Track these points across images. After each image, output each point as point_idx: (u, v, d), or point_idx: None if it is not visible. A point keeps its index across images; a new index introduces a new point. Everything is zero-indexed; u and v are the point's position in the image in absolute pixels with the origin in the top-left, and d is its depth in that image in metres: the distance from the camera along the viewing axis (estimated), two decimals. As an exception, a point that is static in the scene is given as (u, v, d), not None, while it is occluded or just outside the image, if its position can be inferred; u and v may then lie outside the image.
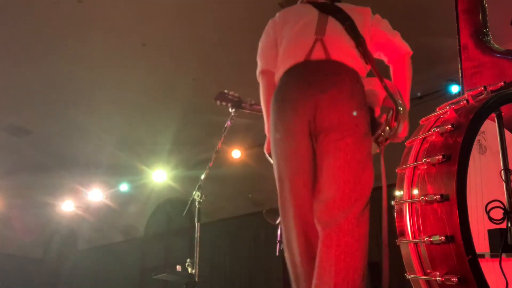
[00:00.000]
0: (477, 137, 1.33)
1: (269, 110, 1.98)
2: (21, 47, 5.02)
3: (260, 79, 2.15)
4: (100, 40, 4.92)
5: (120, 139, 6.81)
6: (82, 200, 8.37)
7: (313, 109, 1.78)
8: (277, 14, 2.24)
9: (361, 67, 1.93)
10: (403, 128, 1.77)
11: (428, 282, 1.16)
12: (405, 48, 2.05)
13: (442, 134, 1.21)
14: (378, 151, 1.83)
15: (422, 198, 1.16)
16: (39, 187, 7.92)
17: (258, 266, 6.96)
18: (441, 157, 1.15)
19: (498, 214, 1.15)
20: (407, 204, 1.23)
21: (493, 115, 1.25)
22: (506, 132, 1.27)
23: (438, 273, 1.12)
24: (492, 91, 1.28)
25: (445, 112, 1.27)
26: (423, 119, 1.35)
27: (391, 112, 1.77)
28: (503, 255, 1.13)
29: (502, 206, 1.16)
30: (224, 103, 3.06)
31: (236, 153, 6.60)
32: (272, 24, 2.24)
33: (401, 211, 1.24)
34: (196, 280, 2.87)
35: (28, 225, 8.89)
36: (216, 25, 4.75)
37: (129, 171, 7.48)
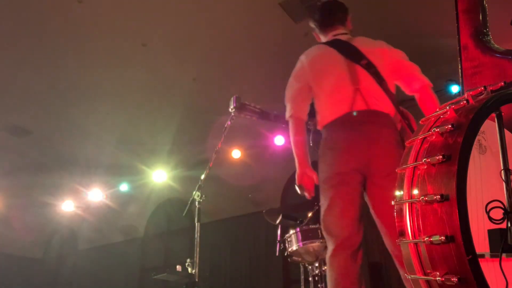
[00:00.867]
0: (477, 137, 1.33)
1: (301, 150, 2.35)
2: (21, 47, 5.03)
3: (290, 123, 2.40)
4: (100, 40, 4.92)
5: (120, 139, 6.81)
6: (82, 200, 8.37)
7: (366, 158, 2.12)
8: (304, 59, 2.50)
9: (391, 108, 2.26)
10: None
11: (428, 282, 1.16)
12: (426, 80, 2.40)
13: (442, 134, 1.20)
14: None
15: (422, 198, 1.16)
16: (39, 187, 7.93)
17: (258, 266, 6.96)
18: (441, 157, 1.14)
19: (498, 214, 1.15)
20: (407, 204, 1.22)
21: (493, 115, 1.25)
22: (506, 132, 1.26)
23: (438, 273, 1.12)
24: (492, 91, 1.27)
25: (445, 112, 1.27)
26: (423, 119, 1.34)
27: None
28: (503, 255, 1.13)
29: (502, 206, 1.15)
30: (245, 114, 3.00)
31: (236, 153, 6.61)
32: (302, 71, 2.48)
33: (401, 211, 1.24)
34: (196, 280, 2.87)
35: (28, 225, 8.89)
36: (216, 25, 4.75)
37: (129, 171, 7.48)
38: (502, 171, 1.19)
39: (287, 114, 2.41)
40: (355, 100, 2.23)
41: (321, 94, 2.34)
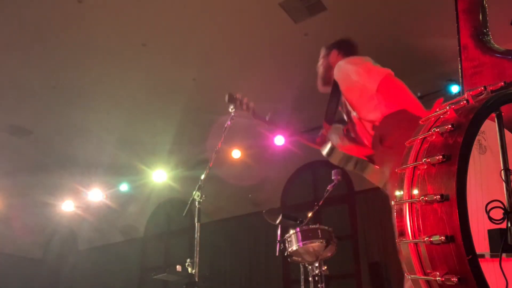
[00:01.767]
0: (477, 137, 1.33)
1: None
2: (21, 47, 5.03)
3: None
4: (100, 40, 4.92)
5: (120, 139, 6.81)
6: (82, 200, 8.37)
7: None
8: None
9: None
10: None
11: (428, 282, 1.16)
12: None
13: (442, 134, 1.20)
14: None
15: (422, 198, 1.16)
16: (39, 187, 7.93)
17: (258, 266, 6.96)
18: (441, 157, 1.14)
19: (498, 214, 1.15)
20: (407, 204, 1.22)
21: (493, 115, 1.25)
22: (506, 132, 1.26)
23: (438, 273, 1.11)
24: (492, 91, 1.27)
25: (445, 112, 1.27)
26: (423, 119, 1.34)
27: None
28: (503, 255, 1.13)
29: (502, 206, 1.15)
30: (236, 105, 2.96)
31: (236, 153, 6.61)
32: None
33: (401, 211, 1.24)
34: (196, 280, 2.86)
35: (28, 225, 8.89)
36: (216, 25, 4.75)
37: (129, 171, 7.49)
38: (502, 171, 1.19)
39: None
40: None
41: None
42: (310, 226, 3.52)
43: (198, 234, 2.97)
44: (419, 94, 5.50)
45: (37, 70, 5.38)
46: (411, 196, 1.21)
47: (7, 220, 8.39)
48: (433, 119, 1.31)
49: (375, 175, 2.54)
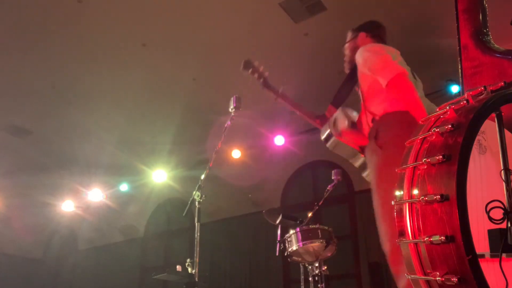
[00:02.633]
0: (477, 137, 1.33)
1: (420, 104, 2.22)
2: (21, 47, 5.03)
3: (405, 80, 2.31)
4: (100, 40, 4.92)
5: (120, 139, 6.81)
6: (82, 200, 8.37)
7: None
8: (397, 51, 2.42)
9: None
10: None
11: (428, 282, 1.16)
12: None
13: (442, 134, 1.20)
14: None
15: (422, 198, 1.16)
16: (39, 187, 7.93)
17: (258, 266, 6.96)
18: (441, 157, 1.14)
19: (498, 214, 1.15)
20: (407, 204, 1.22)
21: (493, 115, 1.25)
22: (506, 132, 1.26)
23: (438, 273, 1.11)
24: (492, 91, 1.27)
25: (445, 112, 1.27)
26: (423, 119, 1.34)
27: None
28: (503, 255, 1.13)
29: (502, 206, 1.15)
30: (250, 71, 2.98)
31: (236, 153, 6.61)
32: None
33: (401, 211, 1.24)
34: (196, 280, 2.86)
35: (28, 225, 8.89)
36: (216, 25, 4.75)
37: (129, 171, 7.49)
38: (502, 171, 1.19)
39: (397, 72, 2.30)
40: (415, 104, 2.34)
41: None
42: (310, 226, 3.52)
43: (198, 234, 2.97)
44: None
45: (37, 70, 5.38)
46: (411, 196, 1.21)
47: (7, 220, 8.39)
48: (433, 119, 1.31)
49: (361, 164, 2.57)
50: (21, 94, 5.85)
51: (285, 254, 3.59)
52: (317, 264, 3.50)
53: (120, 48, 5.06)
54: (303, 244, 3.42)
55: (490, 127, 1.27)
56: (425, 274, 1.15)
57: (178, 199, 7.88)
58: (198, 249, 2.92)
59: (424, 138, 1.26)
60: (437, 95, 5.26)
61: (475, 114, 1.15)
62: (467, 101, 1.25)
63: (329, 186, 3.74)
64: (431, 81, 5.31)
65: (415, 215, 1.18)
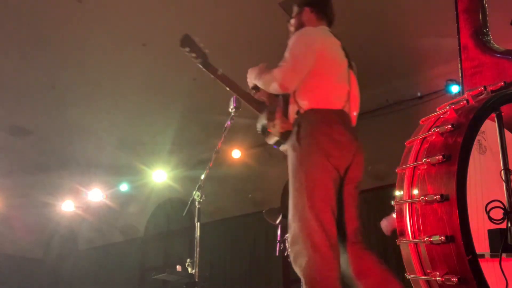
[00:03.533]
0: (477, 137, 1.33)
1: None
2: (21, 47, 5.03)
3: (281, 89, 2.26)
4: (100, 40, 4.92)
5: (120, 139, 6.81)
6: (82, 200, 8.37)
7: (349, 162, 2.13)
8: (318, 35, 2.33)
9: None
10: None
11: (428, 282, 1.16)
12: None
13: (442, 134, 1.21)
14: None
15: (422, 198, 1.16)
16: (39, 187, 7.93)
17: (258, 266, 6.96)
18: (441, 157, 1.15)
19: (498, 214, 1.15)
20: (407, 204, 1.23)
21: (493, 115, 1.25)
22: (506, 132, 1.26)
23: (438, 273, 1.12)
24: (492, 91, 1.28)
25: (445, 112, 1.27)
26: (423, 119, 1.35)
27: None
28: (503, 255, 1.13)
29: (502, 206, 1.16)
30: (188, 50, 2.76)
31: (236, 153, 6.60)
32: (317, 45, 2.27)
33: (401, 211, 1.24)
34: (196, 280, 2.87)
35: (28, 225, 8.89)
36: (216, 25, 4.75)
37: (129, 171, 7.48)
38: (502, 171, 1.19)
39: (288, 83, 2.22)
40: (347, 101, 2.23)
41: (325, 77, 2.23)
42: (310, 226, 3.52)
43: (198, 234, 2.98)
44: (419, 94, 5.52)
45: (37, 70, 5.38)
46: (411, 196, 1.21)
47: (7, 220, 8.39)
48: (433, 119, 1.31)
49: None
50: (21, 94, 5.85)
51: (285, 254, 3.58)
52: (317, 264, 3.49)
53: (120, 48, 5.06)
54: (303, 244, 3.42)
55: (490, 127, 1.27)
56: (425, 274, 1.15)
57: (178, 199, 7.87)
58: (198, 249, 2.92)
59: (424, 138, 1.26)
60: (437, 95, 5.26)
61: (475, 114, 1.16)
62: (467, 101, 1.25)
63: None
64: (431, 81, 5.31)
65: (415, 215, 1.18)
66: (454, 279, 1.07)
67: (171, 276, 3.63)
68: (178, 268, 3.44)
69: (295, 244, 2.06)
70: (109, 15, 4.60)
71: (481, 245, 1.23)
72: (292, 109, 2.27)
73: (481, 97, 1.25)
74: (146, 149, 7.03)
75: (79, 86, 5.71)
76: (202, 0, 4.47)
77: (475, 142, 1.28)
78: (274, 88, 2.29)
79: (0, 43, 4.93)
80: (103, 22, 4.68)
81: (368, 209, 6.04)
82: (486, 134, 1.46)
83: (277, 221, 3.73)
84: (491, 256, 1.21)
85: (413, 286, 1.26)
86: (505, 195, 1.18)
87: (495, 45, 1.70)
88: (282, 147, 2.42)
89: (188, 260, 3.00)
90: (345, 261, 2.12)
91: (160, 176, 7.29)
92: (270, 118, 2.38)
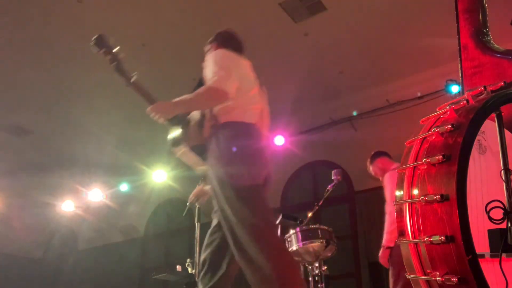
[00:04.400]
0: (477, 137, 1.33)
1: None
2: (21, 47, 5.03)
3: (217, 94, 2.30)
4: (100, 40, 4.91)
5: (120, 139, 6.81)
6: (82, 200, 8.37)
7: (267, 172, 2.22)
8: (234, 54, 2.51)
9: None
10: None
11: (428, 282, 1.16)
12: None
13: (442, 134, 1.20)
14: None
15: (422, 198, 1.16)
16: (39, 187, 7.93)
17: (258, 266, 6.95)
18: (441, 157, 1.15)
19: (498, 214, 1.15)
20: (407, 204, 1.23)
21: (493, 115, 1.25)
22: (506, 132, 1.26)
23: (438, 273, 1.12)
24: (492, 91, 1.28)
25: (445, 112, 1.27)
26: (423, 119, 1.35)
27: None
28: (503, 255, 1.13)
29: (502, 206, 1.15)
30: (103, 51, 2.54)
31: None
32: (239, 60, 2.48)
33: (401, 211, 1.24)
34: (196, 280, 2.86)
35: (28, 225, 8.88)
36: (216, 25, 4.75)
37: (129, 171, 7.48)
38: (502, 171, 1.19)
39: (228, 87, 2.25)
40: (261, 117, 2.35)
41: (245, 91, 2.33)
42: (310, 226, 3.52)
43: (198, 234, 2.98)
44: (419, 94, 5.52)
45: (37, 70, 5.38)
46: (411, 196, 1.21)
47: (7, 220, 8.39)
48: (433, 119, 1.31)
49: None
50: (21, 94, 5.85)
51: (285, 253, 3.58)
52: (317, 264, 3.50)
53: (120, 48, 5.05)
54: (303, 244, 3.42)
55: (490, 127, 1.27)
56: (425, 274, 1.15)
57: (178, 199, 7.87)
58: (198, 249, 2.92)
59: (424, 138, 1.26)
60: (437, 95, 5.26)
61: (475, 114, 1.16)
62: (467, 101, 1.25)
63: (329, 186, 3.73)
64: (431, 81, 5.31)
65: (415, 215, 1.18)
66: (454, 279, 1.07)
67: (171, 276, 3.64)
68: (178, 268, 3.45)
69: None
70: (109, 15, 4.60)
71: (481, 245, 1.23)
72: (208, 122, 2.35)
73: (481, 97, 1.25)
74: (146, 149, 7.03)
75: (79, 86, 5.71)
76: (202, 1, 4.48)
77: (475, 142, 1.28)
78: (212, 96, 2.31)
79: (0, 43, 4.93)
80: (103, 22, 4.68)
81: (368, 209, 6.05)
82: (486, 134, 1.46)
83: (277, 221, 3.73)
84: (491, 256, 1.21)
85: (413, 286, 1.26)
86: (505, 195, 1.18)
87: (495, 45, 1.70)
88: (193, 160, 2.49)
89: (188, 260, 3.00)
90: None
91: (160, 176, 7.29)
92: (184, 131, 2.42)
